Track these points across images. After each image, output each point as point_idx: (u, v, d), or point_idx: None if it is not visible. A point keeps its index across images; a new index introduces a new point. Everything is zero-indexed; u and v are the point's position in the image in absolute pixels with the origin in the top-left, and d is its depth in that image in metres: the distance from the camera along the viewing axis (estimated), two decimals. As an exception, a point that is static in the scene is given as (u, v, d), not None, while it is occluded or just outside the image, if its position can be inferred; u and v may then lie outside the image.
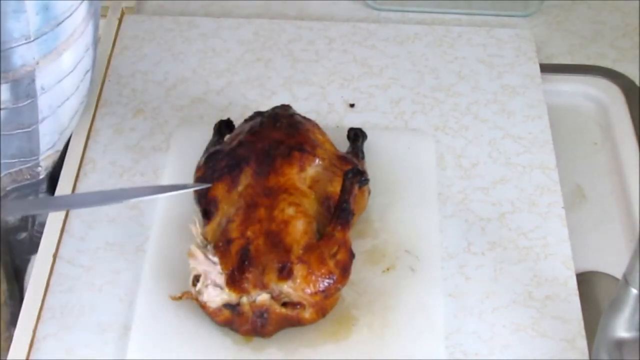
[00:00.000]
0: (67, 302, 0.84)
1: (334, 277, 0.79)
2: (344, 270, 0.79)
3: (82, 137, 0.98)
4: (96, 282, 0.86)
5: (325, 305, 0.80)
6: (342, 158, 0.87)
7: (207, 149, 0.90)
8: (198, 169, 0.87)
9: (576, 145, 1.03)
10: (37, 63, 0.86)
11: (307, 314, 0.79)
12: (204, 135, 0.93)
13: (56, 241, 0.89)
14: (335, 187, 0.84)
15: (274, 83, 1.05)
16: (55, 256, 0.88)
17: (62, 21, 0.87)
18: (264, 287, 0.78)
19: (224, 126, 0.93)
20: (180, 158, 0.94)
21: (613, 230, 0.95)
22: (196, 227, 0.82)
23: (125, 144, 0.98)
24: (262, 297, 0.78)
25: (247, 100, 1.03)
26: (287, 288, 0.78)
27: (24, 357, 0.81)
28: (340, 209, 0.81)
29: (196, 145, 0.93)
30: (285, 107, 0.91)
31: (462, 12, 1.16)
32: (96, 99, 1.03)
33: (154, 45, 1.10)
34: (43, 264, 0.87)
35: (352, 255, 0.80)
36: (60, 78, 0.90)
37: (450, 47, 1.09)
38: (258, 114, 0.90)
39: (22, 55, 0.84)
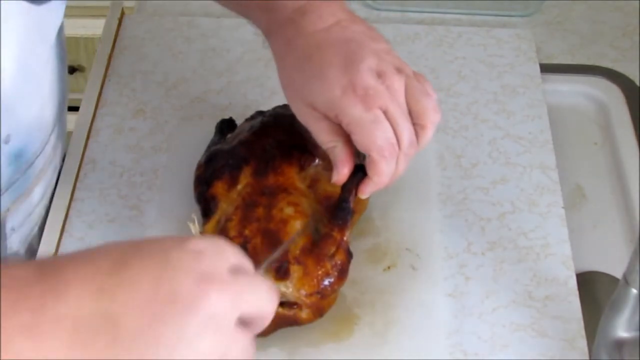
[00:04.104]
0: (67, 302, 0.84)
1: (331, 279, 0.78)
2: (342, 272, 0.79)
3: (82, 137, 0.98)
4: (96, 282, 0.86)
5: (322, 306, 0.79)
6: None
7: (209, 148, 0.90)
8: (198, 167, 0.87)
9: (576, 145, 1.03)
10: (8, 210, 0.79)
11: (304, 314, 0.79)
12: (204, 135, 0.93)
13: (56, 241, 0.88)
14: (335, 187, 0.83)
15: (274, 83, 1.04)
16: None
17: (34, 161, 0.78)
18: None
19: (225, 125, 0.93)
20: (180, 158, 0.94)
21: (613, 230, 0.95)
22: (195, 226, 0.81)
23: (125, 144, 0.98)
24: (259, 297, 0.78)
25: (247, 100, 1.02)
26: (283, 288, 0.77)
27: (25, 357, 0.81)
28: (339, 209, 0.80)
29: (196, 145, 0.93)
30: (287, 107, 0.90)
31: (462, 12, 1.16)
32: (96, 99, 1.03)
33: (154, 45, 1.10)
34: (43, 263, 0.87)
35: (350, 256, 0.80)
36: (31, 212, 0.85)
37: (450, 47, 1.09)
38: (259, 113, 0.90)
39: None
